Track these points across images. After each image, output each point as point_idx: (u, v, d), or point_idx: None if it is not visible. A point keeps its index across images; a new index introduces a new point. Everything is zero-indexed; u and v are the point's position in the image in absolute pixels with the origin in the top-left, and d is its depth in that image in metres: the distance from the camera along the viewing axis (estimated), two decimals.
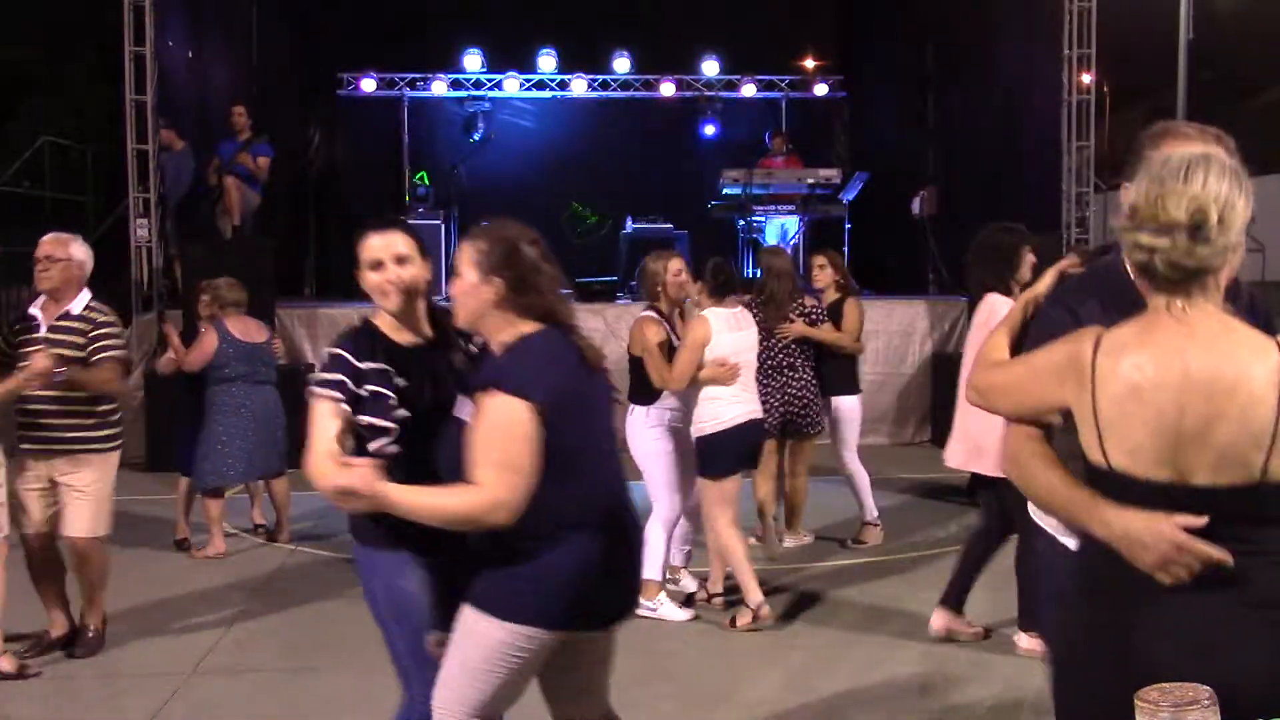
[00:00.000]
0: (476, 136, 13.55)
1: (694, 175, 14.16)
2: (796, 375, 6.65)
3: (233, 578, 6.53)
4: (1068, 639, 2.25)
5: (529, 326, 2.85)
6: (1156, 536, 2.02)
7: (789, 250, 9.64)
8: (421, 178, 13.08)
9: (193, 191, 11.33)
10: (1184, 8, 12.23)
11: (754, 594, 5.53)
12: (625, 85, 14.52)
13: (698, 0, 14.10)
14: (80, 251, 5.14)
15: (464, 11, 13.73)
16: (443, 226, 12.22)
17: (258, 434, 6.96)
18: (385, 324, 3.09)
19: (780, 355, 6.65)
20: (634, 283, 8.12)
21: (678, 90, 14.34)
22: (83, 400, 5.01)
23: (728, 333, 5.59)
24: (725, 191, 12.86)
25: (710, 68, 14.32)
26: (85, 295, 5.13)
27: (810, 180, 12.51)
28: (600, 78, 14.44)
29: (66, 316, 5.05)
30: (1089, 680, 2.16)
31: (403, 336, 3.08)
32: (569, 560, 2.80)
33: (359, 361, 2.98)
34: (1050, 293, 2.69)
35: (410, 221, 12.10)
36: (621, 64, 14.28)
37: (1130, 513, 2.05)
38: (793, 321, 6.66)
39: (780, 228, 12.49)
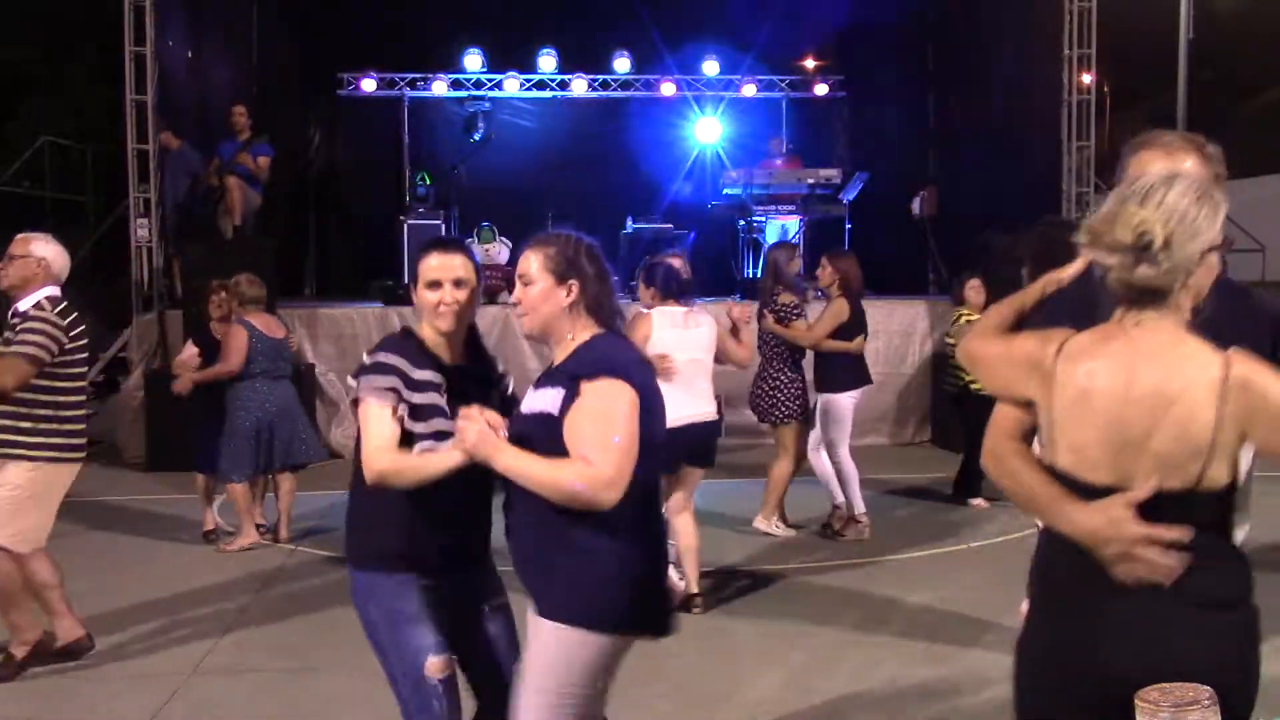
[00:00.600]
0: (476, 136, 13.53)
1: (694, 175, 14.17)
2: (763, 366, 7.21)
3: (233, 577, 6.53)
4: (1022, 634, 2.32)
5: (592, 331, 2.88)
6: (1116, 529, 2.09)
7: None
8: (423, 178, 13.08)
9: (191, 191, 11.32)
10: (1184, 8, 12.23)
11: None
12: (625, 85, 14.52)
13: (698, 0, 14.10)
14: (42, 248, 4.83)
15: (464, 11, 13.71)
16: (443, 227, 12.21)
17: (280, 428, 7.09)
18: (428, 338, 3.09)
19: (761, 347, 7.22)
20: (634, 282, 8.13)
21: (678, 90, 14.34)
22: (17, 400, 4.67)
23: (670, 329, 5.71)
24: (725, 191, 12.86)
25: (710, 68, 14.32)
26: (42, 292, 4.76)
27: (810, 180, 12.51)
28: (600, 78, 14.44)
29: (15, 314, 4.75)
30: (1040, 675, 2.24)
31: (445, 354, 3.08)
32: (640, 559, 2.81)
33: (411, 370, 2.98)
34: (1058, 291, 2.65)
35: (410, 222, 12.20)
36: (621, 64, 14.27)
37: (1093, 507, 2.11)
38: (764, 317, 7.18)
39: (780, 228, 12.49)
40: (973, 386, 7.80)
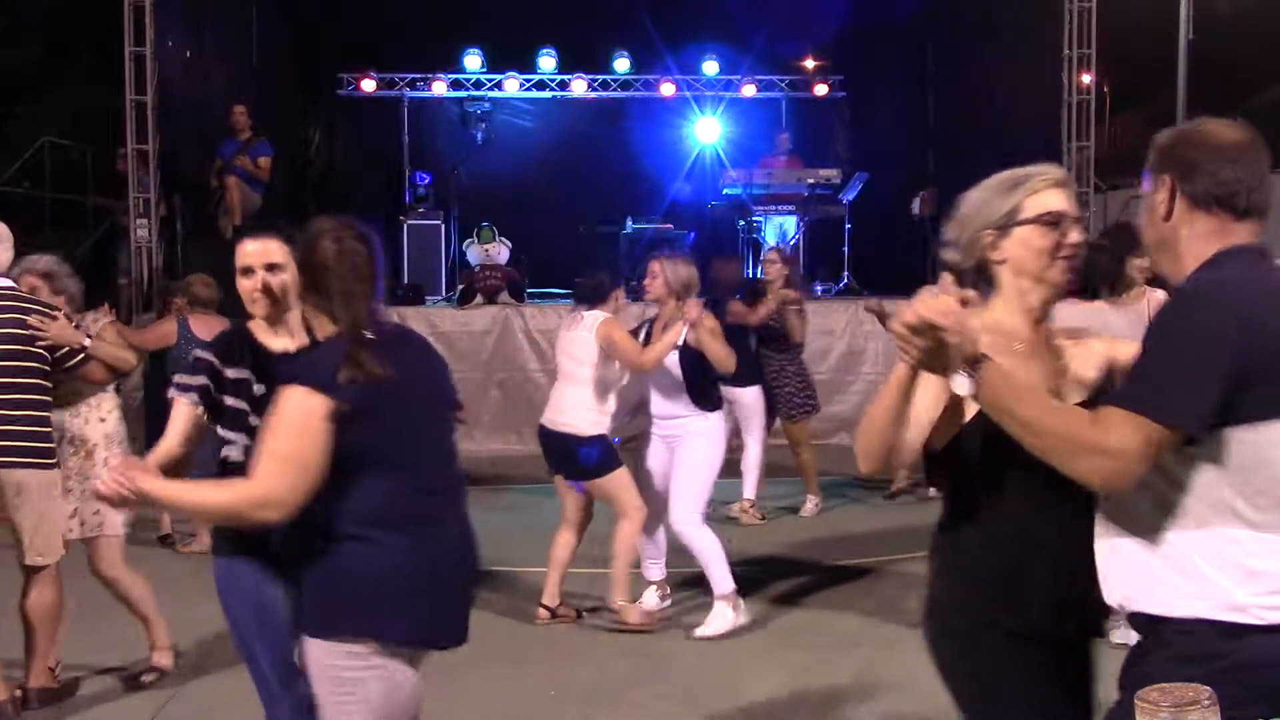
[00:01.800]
0: (476, 136, 13.54)
1: (694, 175, 14.16)
2: None
3: None
4: None
5: (330, 329, 2.65)
6: None
7: (788, 249, 10.04)
8: (423, 178, 13.08)
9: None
10: (1184, 8, 12.21)
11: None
12: (625, 85, 14.52)
13: (698, 0, 14.10)
14: None
15: (464, 11, 13.71)
16: (443, 226, 12.22)
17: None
18: (259, 329, 3.15)
19: None
20: (634, 282, 8.20)
21: (678, 90, 14.33)
22: None
23: (561, 331, 5.89)
24: (725, 191, 12.86)
25: (710, 68, 14.32)
26: None
27: (810, 180, 12.50)
28: (600, 78, 14.44)
29: None
30: None
31: (275, 342, 3.12)
32: (385, 561, 2.57)
33: (225, 368, 3.06)
34: None
35: (410, 223, 12.11)
36: (621, 64, 14.27)
37: None
38: None
39: (780, 228, 12.49)
40: None
